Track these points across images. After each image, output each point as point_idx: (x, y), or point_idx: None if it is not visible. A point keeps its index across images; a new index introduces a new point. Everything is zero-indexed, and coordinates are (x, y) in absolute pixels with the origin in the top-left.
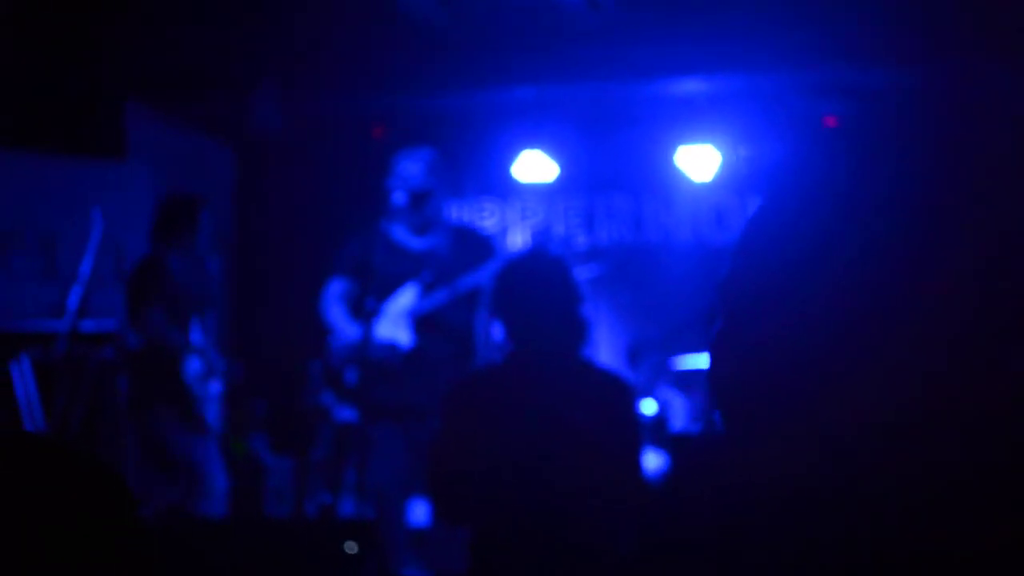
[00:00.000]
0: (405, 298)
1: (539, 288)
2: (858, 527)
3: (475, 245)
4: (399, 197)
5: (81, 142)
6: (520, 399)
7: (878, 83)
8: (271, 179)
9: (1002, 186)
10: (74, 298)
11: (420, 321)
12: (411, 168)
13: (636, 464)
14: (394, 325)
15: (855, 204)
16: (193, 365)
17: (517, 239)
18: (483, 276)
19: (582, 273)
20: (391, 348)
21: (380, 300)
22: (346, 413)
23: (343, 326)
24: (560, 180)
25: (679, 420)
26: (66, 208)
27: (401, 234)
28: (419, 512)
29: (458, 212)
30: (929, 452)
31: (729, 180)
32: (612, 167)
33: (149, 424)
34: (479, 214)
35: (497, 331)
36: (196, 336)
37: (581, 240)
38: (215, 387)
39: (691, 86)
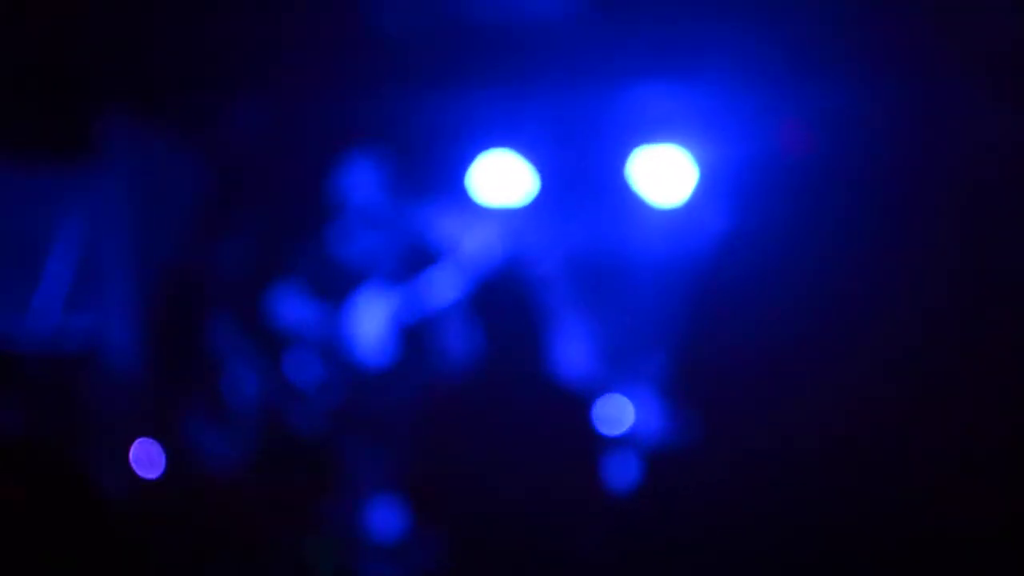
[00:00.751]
0: (367, 306)
1: (508, 301)
2: (832, 525)
3: (426, 250)
4: (348, 202)
5: (57, 145)
6: (485, 410)
7: (847, 99)
8: (248, 183)
9: (972, 205)
10: (54, 303)
11: (385, 330)
12: (360, 174)
13: (594, 473)
14: (369, 334)
15: (826, 214)
16: None
17: (483, 246)
18: (442, 285)
19: (552, 282)
20: (365, 355)
21: (339, 306)
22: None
23: (309, 331)
24: (527, 187)
25: (653, 425)
26: (43, 213)
27: (351, 239)
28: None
29: (423, 219)
30: (899, 448)
31: (697, 186)
32: (580, 174)
33: None
34: (444, 221)
35: (465, 340)
36: None
37: (551, 249)
38: None
39: (657, 93)
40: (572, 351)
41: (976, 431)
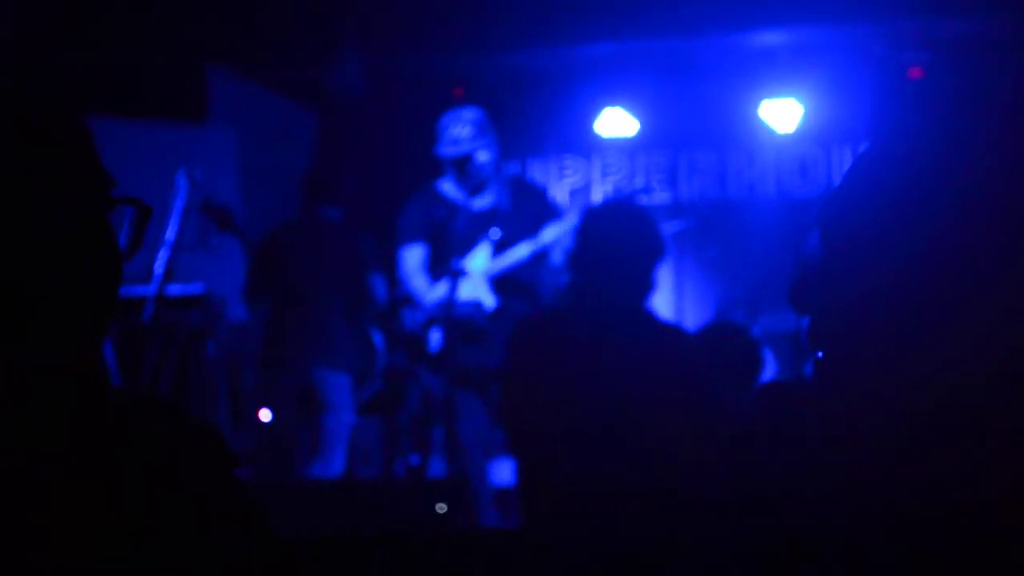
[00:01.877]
0: (480, 259)
1: (612, 234)
2: (940, 477)
3: (534, 200)
4: (452, 159)
5: (164, 106)
6: (582, 348)
7: (964, 32)
8: (353, 141)
9: None
10: (160, 263)
11: (498, 281)
12: (460, 130)
13: (706, 413)
14: (474, 286)
15: (954, 159)
16: None
17: (599, 196)
18: (553, 233)
19: (666, 229)
20: (476, 307)
21: (461, 259)
22: (430, 377)
23: (427, 292)
24: (642, 136)
25: (766, 374)
26: (151, 173)
27: (459, 196)
28: (502, 472)
29: (541, 170)
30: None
31: (813, 133)
32: (694, 122)
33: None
34: (561, 172)
35: (568, 274)
36: None
37: (665, 196)
38: None
39: (773, 38)
40: (691, 298)
41: None
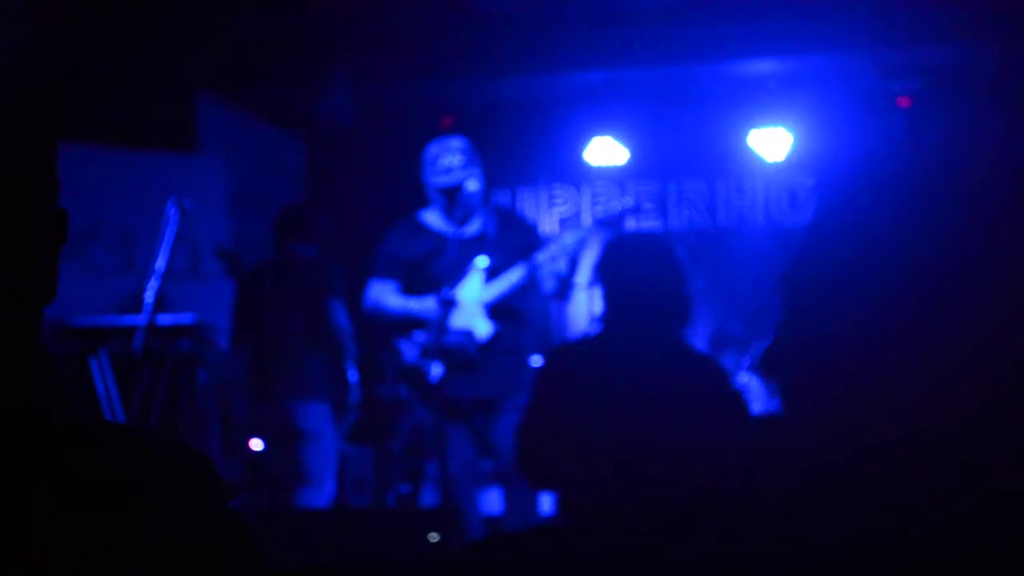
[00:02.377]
0: (472, 287)
1: (644, 263)
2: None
3: (520, 227)
4: (442, 188)
5: (153, 135)
6: (612, 373)
7: (953, 60)
8: (342, 168)
9: None
10: (151, 292)
11: (492, 309)
12: (450, 159)
13: (733, 444)
14: (468, 315)
15: (926, 197)
16: None
17: (588, 222)
18: (545, 256)
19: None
20: (468, 336)
21: (452, 288)
22: (423, 408)
23: (398, 303)
24: (631, 165)
25: (758, 404)
26: (142, 202)
27: (446, 226)
28: (490, 501)
29: (531, 199)
30: (980, 453)
31: (802, 162)
32: (684, 151)
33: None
34: (551, 200)
35: (596, 303)
36: None
37: (654, 225)
38: None
39: (762, 67)
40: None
41: None
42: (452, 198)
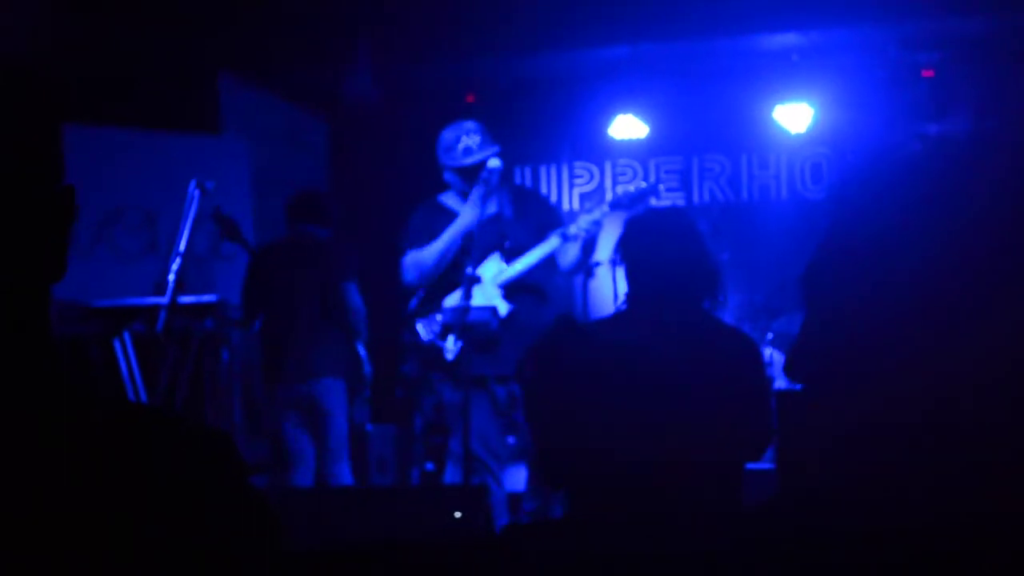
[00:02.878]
0: (491, 267)
1: (665, 238)
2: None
3: (536, 207)
4: (466, 168)
5: (177, 117)
6: (638, 349)
7: (978, 32)
8: (366, 148)
9: None
10: (173, 272)
11: (510, 287)
12: (470, 140)
13: (766, 421)
14: (487, 294)
15: (938, 201)
16: None
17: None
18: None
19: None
20: (492, 312)
21: (473, 269)
22: (446, 385)
23: (456, 234)
24: (653, 140)
25: (780, 379)
26: (166, 184)
27: (462, 206)
28: (515, 477)
29: (553, 175)
30: (999, 442)
31: (825, 135)
32: (706, 125)
33: None
34: (572, 177)
35: (620, 282)
36: None
37: (678, 199)
38: None
39: (785, 40)
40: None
41: None
42: (472, 179)
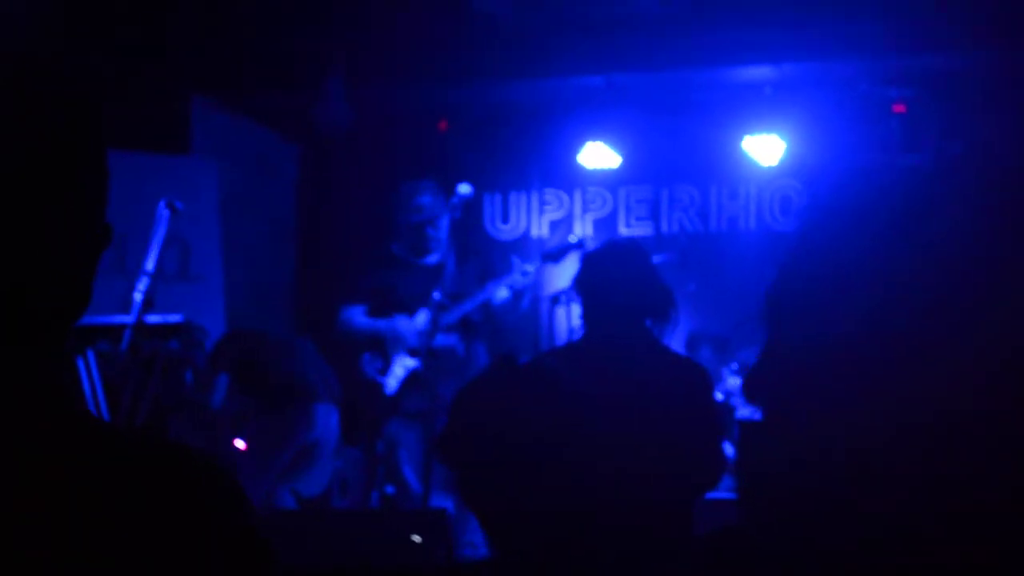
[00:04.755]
0: (420, 318)
1: (620, 270)
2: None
3: (476, 258)
4: (413, 224)
5: (148, 137)
6: (592, 379)
7: (949, 68)
8: (336, 173)
9: None
10: (140, 292)
11: (450, 327)
12: (422, 199)
13: (717, 449)
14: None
15: (910, 220)
16: None
17: (582, 229)
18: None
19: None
20: (451, 349)
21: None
22: (390, 419)
23: (386, 326)
24: (624, 169)
25: (744, 408)
26: (134, 203)
27: (411, 255)
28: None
29: (522, 203)
30: (958, 468)
31: (795, 168)
32: (677, 156)
33: None
34: (542, 205)
35: (575, 313)
36: None
37: (646, 229)
38: None
39: (757, 73)
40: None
41: None
42: (420, 233)
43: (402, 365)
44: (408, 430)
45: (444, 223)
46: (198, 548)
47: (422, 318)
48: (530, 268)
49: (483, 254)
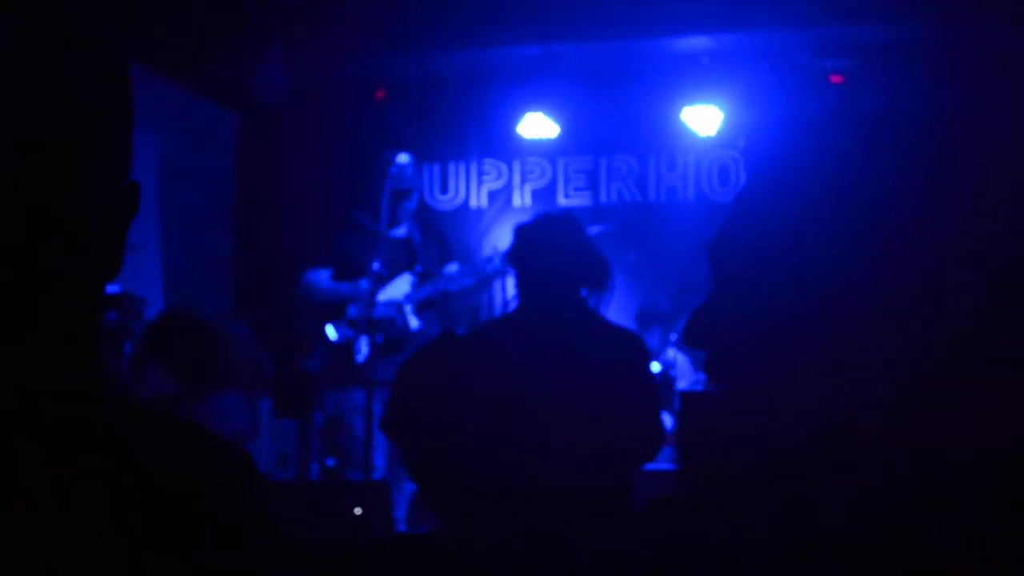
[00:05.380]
0: (401, 285)
1: (553, 241)
2: (840, 493)
3: (438, 237)
4: (398, 190)
5: None
6: (529, 350)
7: (884, 39)
8: (274, 143)
9: (1010, 153)
10: None
11: (418, 305)
12: (403, 167)
13: (656, 420)
14: (386, 307)
15: (848, 175)
16: None
17: (520, 200)
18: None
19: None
20: (396, 308)
21: (384, 269)
22: (352, 386)
23: (350, 288)
24: (562, 140)
25: (685, 379)
26: None
27: (378, 225)
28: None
29: (461, 173)
30: (906, 428)
31: (733, 138)
32: (615, 126)
33: None
34: (480, 175)
35: (511, 285)
36: None
37: (585, 199)
38: None
39: (696, 43)
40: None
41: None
42: (395, 202)
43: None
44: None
45: (416, 197)
46: (217, 536)
47: (400, 287)
48: (496, 259)
49: (442, 235)
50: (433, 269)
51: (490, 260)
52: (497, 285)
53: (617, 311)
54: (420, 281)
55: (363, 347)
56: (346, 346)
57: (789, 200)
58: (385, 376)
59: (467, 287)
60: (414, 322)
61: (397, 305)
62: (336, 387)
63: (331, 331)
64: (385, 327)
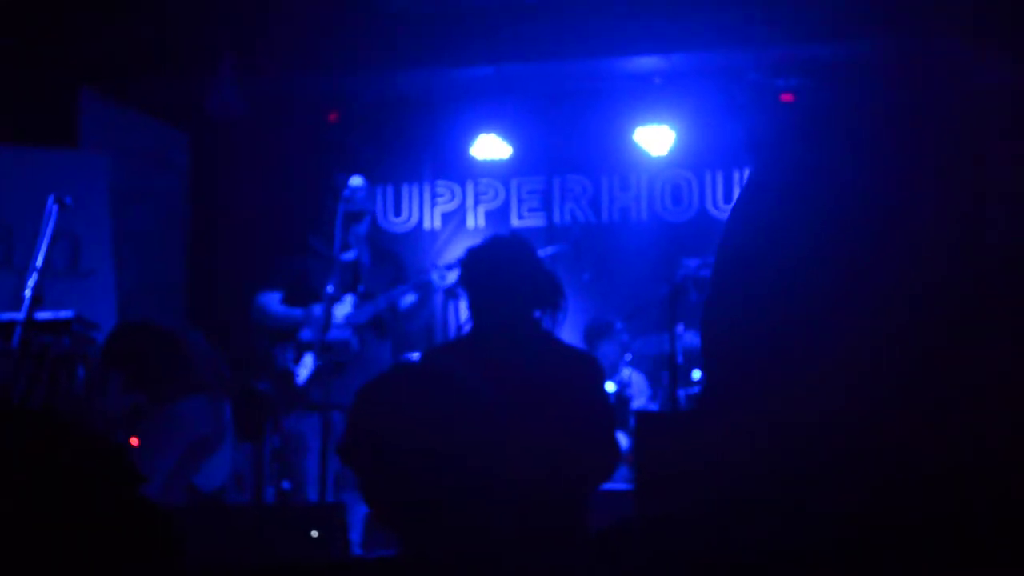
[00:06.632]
0: (344, 307)
1: (504, 264)
2: (839, 502)
3: (388, 260)
4: (350, 212)
5: (35, 131)
6: (482, 374)
7: (833, 57)
8: (227, 163)
9: (957, 157)
10: (29, 288)
11: (360, 327)
12: (356, 190)
13: (611, 440)
14: (339, 328)
15: (833, 182)
16: None
17: (474, 221)
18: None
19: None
20: (346, 343)
21: (337, 291)
22: (293, 411)
23: (302, 314)
24: (516, 160)
25: (639, 399)
26: (22, 199)
27: (329, 249)
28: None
29: (416, 196)
30: (906, 433)
31: (685, 158)
32: (569, 147)
33: None
34: (434, 196)
35: (463, 308)
36: None
37: (539, 220)
38: None
39: (648, 63)
40: (565, 323)
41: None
42: (345, 226)
43: (312, 356)
44: (313, 421)
45: (367, 220)
46: (90, 525)
47: (343, 308)
48: (449, 274)
49: (396, 257)
50: (380, 290)
51: (427, 272)
52: (451, 307)
53: (568, 328)
54: (361, 301)
55: (303, 371)
56: (287, 372)
57: (785, 208)
58: (336, 398)
59: (413, 304)
60: (352, 341)
61: (354, 327)
62: (288, 410)
63: (278, 356)
64: (339, 350)
